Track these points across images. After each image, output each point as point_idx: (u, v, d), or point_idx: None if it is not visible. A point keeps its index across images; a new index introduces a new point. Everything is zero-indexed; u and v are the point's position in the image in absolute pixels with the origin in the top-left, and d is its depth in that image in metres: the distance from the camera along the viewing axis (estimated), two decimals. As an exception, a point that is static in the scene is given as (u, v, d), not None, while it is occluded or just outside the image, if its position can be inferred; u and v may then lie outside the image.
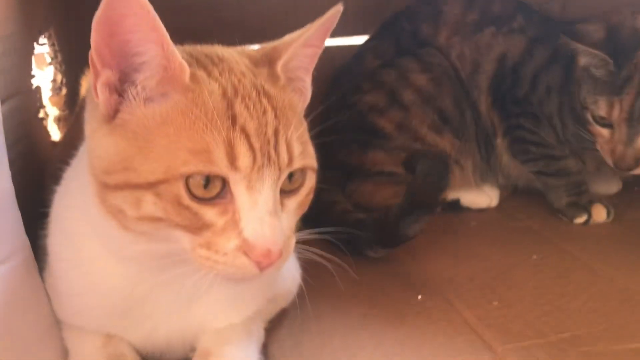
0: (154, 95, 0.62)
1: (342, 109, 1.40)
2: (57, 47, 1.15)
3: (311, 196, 0.72)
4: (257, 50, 0.72)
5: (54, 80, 1.16)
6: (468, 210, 1.38)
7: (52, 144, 1.09)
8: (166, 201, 0.60)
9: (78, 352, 0.77)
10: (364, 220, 1.14)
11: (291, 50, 0.69)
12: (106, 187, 0.63)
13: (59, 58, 1.16)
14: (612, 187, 1.41)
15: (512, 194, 1.46)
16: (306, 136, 0.70)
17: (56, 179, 0.78)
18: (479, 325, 0.91)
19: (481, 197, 1.38)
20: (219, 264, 0.62)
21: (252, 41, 1.55)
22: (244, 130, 0.61)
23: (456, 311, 0.95)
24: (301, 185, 0.69)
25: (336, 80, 1.49)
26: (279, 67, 0.69)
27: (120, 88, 0.62)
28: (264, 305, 0.84)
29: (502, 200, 1.41)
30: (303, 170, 0.68)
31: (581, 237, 1.22)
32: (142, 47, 0.60)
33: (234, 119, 0.61)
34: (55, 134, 1.11)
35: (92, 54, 0.60)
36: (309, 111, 1.37)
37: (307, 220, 1.23)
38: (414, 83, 1.33)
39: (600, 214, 1.27)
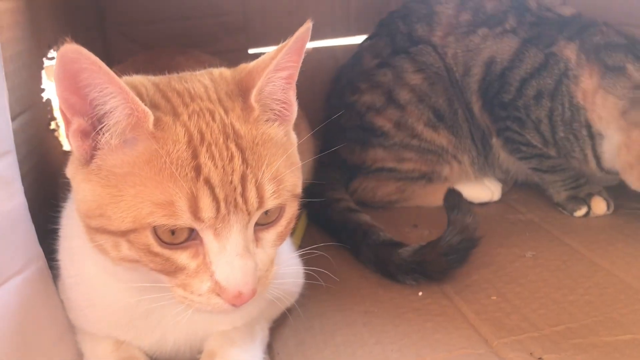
0: (122, 141, 0.63)
1: (342, 108, 1.42)
2: (66, 60, 1.19)
3: (292, 224, 0.72)
4: (234, 76, 0.72)
5: (64, 92, 1.20)
6: (470, 204, 1.40)
7: (64, 154, 1.13)
8: (138, 249, 0.63)
9: (91, 356, 0.82)
10: (389, 240, 1.13)
11: (263, 78, 0.67)
12: (89, 229, 0.66)
13: (69, 70, 1.20)
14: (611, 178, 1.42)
15: (513, 187, 1.47)
16: (287, 165, 0.69)
17: (64, 194, 0.82)
18: (476, 320, 0.94)
19: (483, 192, 1.40)
20: (195, 303, 0.66)
21: (256, 44, 1.60)
22: (207, 182, 0.62)
23: (455, 307, 0.98)
24: (279, 217, 0.69)
25: (337, 80, 1.52)
26: (252, 97, 0.68)
27: (93, 134, 0.63)
28: (266, 307, 0.87)
29: (504, 193, 1.42)
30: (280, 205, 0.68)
31: (581, 229, 1.23)
32: (102, 99, 0.61)
33: (198, 170, 0.62)
34: (66, 144, 1.15)
35: (60, 104, 0.62)
36: (313, 111, 1.40)
37: (312, 216, 1.28)
38: (409, 83, 1.35)
39: (599, 206, 1.28)
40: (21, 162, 0.81)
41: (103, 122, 0.63)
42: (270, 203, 0.66)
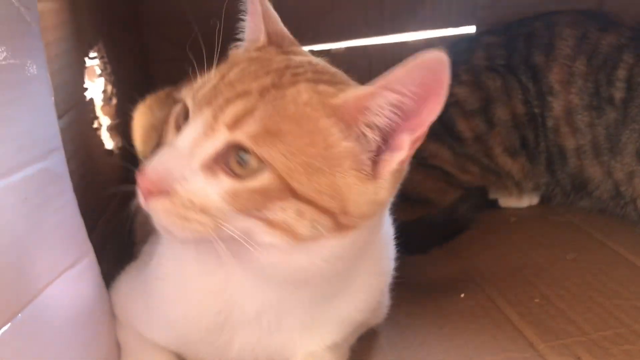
0: None
1: None
2: (106, 59, 1.20)
3: (258, 202, 0.58)
4: None
5: (104, 91, 1.21)
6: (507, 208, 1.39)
7: (107, 153, 1.14)
8: None
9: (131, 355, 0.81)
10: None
11: None
12: None
13: (108, 69, 1.21)
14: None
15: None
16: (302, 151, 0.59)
17: None
18: (521, 322, 0.93)
19: (522, 200, 1.38)
20: None
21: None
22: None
23: (498, 308, 0.97)
24: (251, 175, 0.58)
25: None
26: None
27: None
28: (354, 330, 0.81)
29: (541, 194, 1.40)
30: (259, 160, 0.58)
31: (623, 232, 1.21)
32: None
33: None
34: (108, 143, 1.16)
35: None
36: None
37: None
38: (515, 107, 1.30)
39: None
40: (68, 161, 0.81)
41: None
42: (241, 134, 0.58)
